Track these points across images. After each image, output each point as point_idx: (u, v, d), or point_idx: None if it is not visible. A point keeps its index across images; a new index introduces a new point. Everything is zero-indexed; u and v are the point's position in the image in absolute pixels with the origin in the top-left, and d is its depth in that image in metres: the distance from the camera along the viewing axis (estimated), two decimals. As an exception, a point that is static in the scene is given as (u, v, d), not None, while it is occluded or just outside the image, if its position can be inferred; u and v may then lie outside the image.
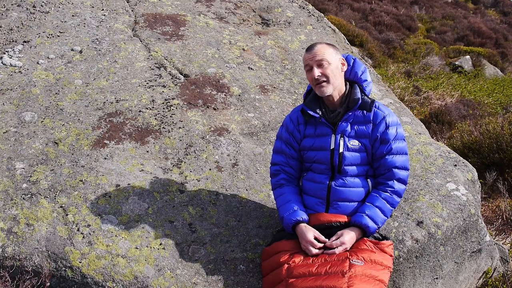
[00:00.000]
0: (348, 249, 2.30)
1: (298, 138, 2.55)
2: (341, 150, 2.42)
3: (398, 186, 2.42)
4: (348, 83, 2.52)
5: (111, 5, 4.43)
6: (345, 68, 2.50)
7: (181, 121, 3.26)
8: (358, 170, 2.45)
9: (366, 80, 2.54)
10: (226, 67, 3.83)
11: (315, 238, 2.33)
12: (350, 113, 2.44)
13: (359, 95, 2.45)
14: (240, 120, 3.37)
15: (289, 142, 2.57)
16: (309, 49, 2.44)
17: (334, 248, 2.29)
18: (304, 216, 2.42)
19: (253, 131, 3.34)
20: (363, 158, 2.44)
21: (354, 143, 2.43)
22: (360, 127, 2.45)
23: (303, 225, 2.40)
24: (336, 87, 2.44)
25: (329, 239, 2.33)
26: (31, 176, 2.77)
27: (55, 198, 2.67)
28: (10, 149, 2.92)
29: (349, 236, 2.32)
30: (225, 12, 4.65)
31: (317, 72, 2.39)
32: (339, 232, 2.34)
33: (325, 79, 2.40)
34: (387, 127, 2.43)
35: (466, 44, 14.61)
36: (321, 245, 2.32)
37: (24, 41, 3.79)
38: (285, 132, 2.59)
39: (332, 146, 2.43)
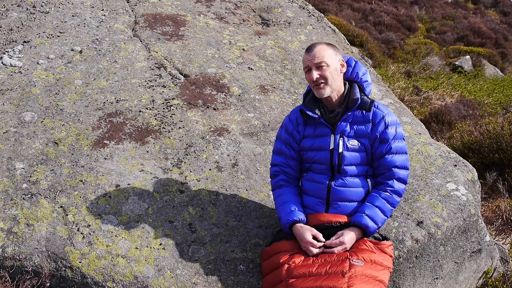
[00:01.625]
0: (347, 249, 2.30)
1: (298, 138, 2.55)
2: (340, 150, 2.42)
3: (398, 185, 2.42)
4: (347, 82, 2.52)
5: (111, 5, 4.43)
6: (344, 69, 2.49)
7: (181, 121, 3.26)
8: (358, 170, 2.45)
9: (367, 81, 2.54)
10: (226, 67, 3.83)
11: (314, 237, 2.34)
12: (349, 113, 2.44)
13: (358, 95, 2.45)
14: (240, 120, 3.37)
15: (289, 143, 2.57)
16: (309, 50, 2.44)
17: (333, 248, 2.29)
18: (301, 216, 2.42)
19: (253, 131, 3.34)
20: (363, 158, 2.44)
21: (354, 143, 2.43)
22: (359, 127, 2.45)
23: (299, 225, 2.40)
24: (334, 89, 2.44)
25: (329, 239, 2.34)
26: (31, 176, 2.77)
27: (55, 198, 2.67)
28: (10, 149, 2.92)
29: (348, 236, 2.32)
30: (225, 12, 4.65)
31: (315, 74, 2.39)
32: (339, 232, 2.34)
33: (323, 81, 2.40)
34: (386, 126, 2.43)
35: (466, 44, 14.61)
36: (320, 244, 2.32)
37: (24, 41, 3.79)
38: (285, 132, 2.59)
39: (332, 146, 2.43)
